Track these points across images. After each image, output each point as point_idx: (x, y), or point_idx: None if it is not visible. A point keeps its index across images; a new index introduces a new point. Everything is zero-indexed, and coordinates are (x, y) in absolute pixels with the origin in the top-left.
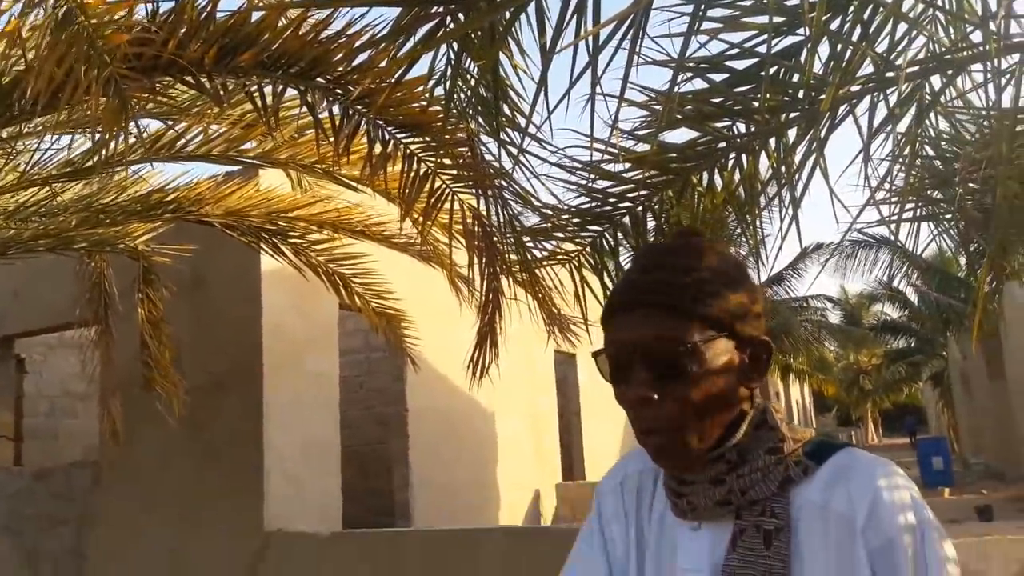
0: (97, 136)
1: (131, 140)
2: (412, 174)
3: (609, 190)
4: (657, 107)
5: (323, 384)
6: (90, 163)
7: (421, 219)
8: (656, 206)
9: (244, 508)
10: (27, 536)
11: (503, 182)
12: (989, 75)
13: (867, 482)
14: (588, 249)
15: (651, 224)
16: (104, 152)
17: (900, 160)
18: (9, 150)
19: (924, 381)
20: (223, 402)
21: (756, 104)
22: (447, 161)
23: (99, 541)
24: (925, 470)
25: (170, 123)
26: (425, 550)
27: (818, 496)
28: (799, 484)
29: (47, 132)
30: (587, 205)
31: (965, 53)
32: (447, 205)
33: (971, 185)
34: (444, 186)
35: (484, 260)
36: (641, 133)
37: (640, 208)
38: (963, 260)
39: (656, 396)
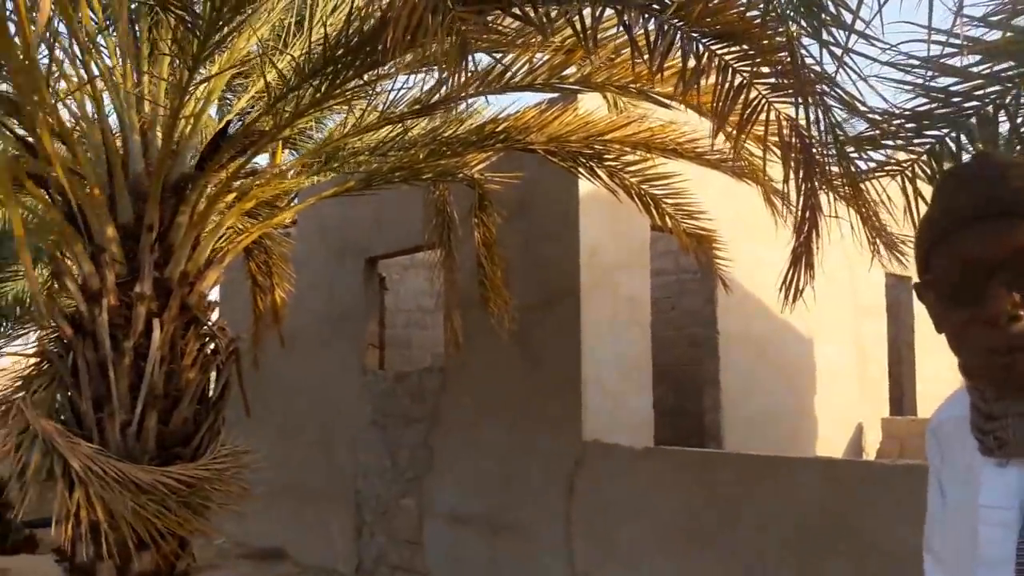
0: (441, 74)
1: (468, 76)
2: (726, 86)
3: (953, 88)
4: None
5: (635, 304)
6: (434, 99)
7: (735, 133)
8: (1011, 103)
9: (565, 417)
10: (390, 430)
11: (825, 87)
12: None
13: None
14: (925, 157)
15: (1004, 125)
16: (445, 88)
17: None
18: (370, 92)
19: None
20: (546, 319)
21: None
22: (764, 69)
23: (444, 437)
24: None
25: (498, 56)
26: (739, 473)
27: None
28: None
29: (399, 73)
30: (925, 107)
31: None
32: (763, 116)
33: None
34: (760, 96)
35: (802, 174)
36: (994, 19)
37: (992, 106)
38: None
39: (1022, 312)
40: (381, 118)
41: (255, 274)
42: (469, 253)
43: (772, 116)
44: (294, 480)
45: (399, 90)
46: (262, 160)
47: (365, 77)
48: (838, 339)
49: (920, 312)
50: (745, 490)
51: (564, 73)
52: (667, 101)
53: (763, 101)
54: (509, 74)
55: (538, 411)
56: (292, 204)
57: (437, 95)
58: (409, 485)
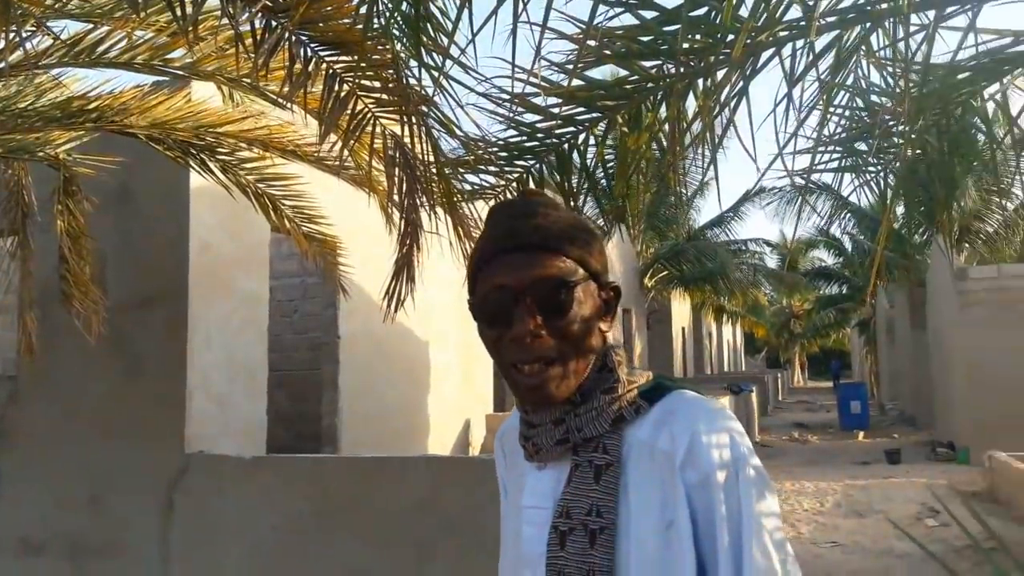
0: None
1: (47, 42)
2: (333, 94)
3: (537, 124)
4: (588, 42)
5: (252, 306)
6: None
7: (343, 142)
8: (583, 145)
9: (166, 427)
10: None
11: (426, 108)
12: (901, 30)
13: (689, 423)
14: (514, 185)
15: (577, 162)
16: (21, 52)
17: (820, 109)
18: None
19: (851, 327)
20: (148, 319)
21: (685, 44)
22: (371, 83)
23: (13, 455)
24: (843, 413)
25: (91, 26)
26: (349, 477)
27: (647, 435)
28: (632, 423)
29: None
30: (515, 139)
31: (883, 6)
32: (369, 129)
33: (895, 139)
34: (366, 109)
35: (404, 189)
36: (570, 68)
37: (566, 145)
38: (899, 210)
39: (544, 331)
40: None
41: None
42: (52, 243)
43: (378, 130)
44: None
45: None
46: None
47: None
48: (450, 343)
49: None
50: (357, 493)
51: (170, 56)
52: (280, 100)
53: (369, 114)
54: (104, 47)
55: (134, 422)
56: None
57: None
58: None
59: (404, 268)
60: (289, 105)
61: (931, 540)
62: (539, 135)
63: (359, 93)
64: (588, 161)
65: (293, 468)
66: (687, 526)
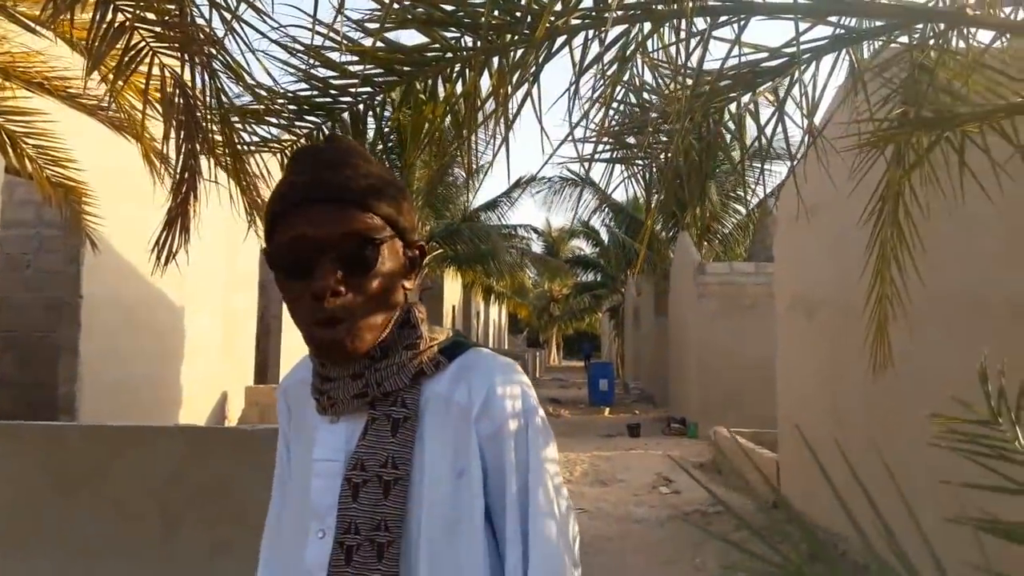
0: None
1: None
2: (105, 24)
3: (332, 80)
4: (392, 3)
5: None
6: None
7: (113, 78)
8: (378, 107)
9: None
10: None
11: (213, 50)
12: (674, 35)
13: (485, 378)
14: (304, 140)
15: (372, 124)
16: None
17: (599, 101)
18: None
19: (603, 312)
20: None
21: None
22: (151, 16)
23: None
24: (593, 390)
25: None
26: (90, 448)
27: (444, 389)
28: (431, 378)
29: None
30: (306, 93)
31: (669, 7)
32: (145, 68)
33: (662, 137)
34: (144, 44)
35: (183, 134)
36: (371, 27)
37: (362, 105)
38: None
39: (343, 288)
40: None
41: None
42: None
43: (156, 69)
44: None
45: None
46: None
47: None
48: (209, 309)
49: None
50: (101, 466)
51: None
52: (35, 26)
53: (147, 50)
54: None
55: None
56: None
57: None
58: None
59: (179, 219)
60: (49, 33)
61: (664, 505)
62: (332, 92)
63: (137, 25)
64: (383, 125)
65: (22, 436)
66: (478, 475)
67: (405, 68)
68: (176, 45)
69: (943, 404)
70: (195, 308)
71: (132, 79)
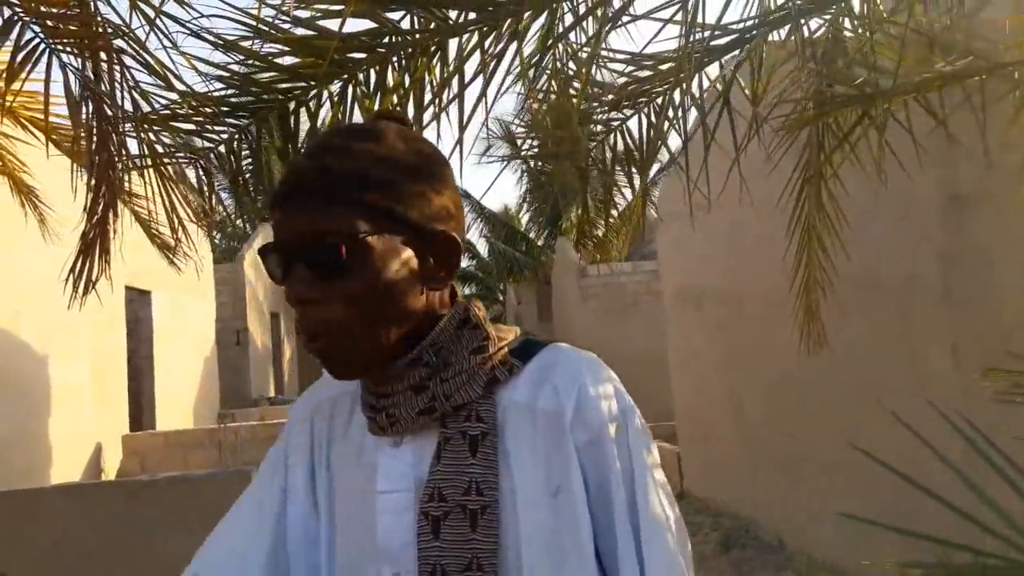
0: None
1: None
2: None
3: (255, 76)
4: None
5: None
6: None
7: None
8: (312, 100)
9: None
10: None
11: (124, 43)
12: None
13: (573, 377)
14: (222, 149)
15: (305, 125)
16: None
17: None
18: None
19: None
20: None
21: None
22: (46, 9)
23: None
24: None
25: None
26: None
27: (524, 396)
28: (505, 385)
29: None
30: (220, 92)
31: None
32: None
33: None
34: (39, 39)
35: (95, 142)
36: (302, 16)
37: (294, 102)
38: (525, 217)
39: (317, 296)
40: None
41: None
42: None
43: (58, 70)
44: None
45: None
46: None
47: None
48: (76, 355)
49: (161, 324)
50: None
51: None
52: None
53: (43, 47)
54: None
55: None
56: None
57: None
58: None
59: (96, 240)
60: None
61: None
62: (255, 89)
63: (27, 19)
64: (317, 125)
65: None
66: (580, 489)
67: (348, 57)
68: (77, 41)
69: (849, 384)
70: (60, 355)
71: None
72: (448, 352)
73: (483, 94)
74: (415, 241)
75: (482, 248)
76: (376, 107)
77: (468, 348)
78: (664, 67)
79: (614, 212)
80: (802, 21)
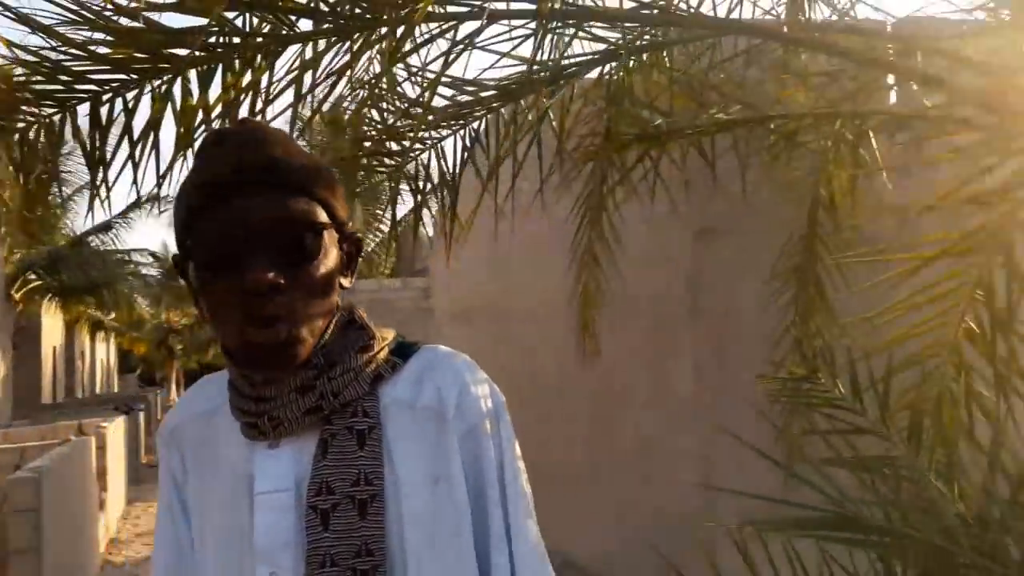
0: None
1: None
2: None
3: (67, 65)
4: None
5: None
6: None
7: None
8: (132, 98)
9: None
10: None
11: None
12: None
13: (455, 377)
14: (15, 139)
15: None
16: None
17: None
18: None
19: None
20: None
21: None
22: None
23: None
24: None
25: None
26: None
27: (406, 393)
28: (387, 382)
29: None
30: (21, 76)
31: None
32: None
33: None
34: None
35: None
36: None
37: (109, 94)
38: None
39: (286, 283)
40: None
41: None
42: None
43: None
44: None
45: None
46: None
47: None
48: None
49: None
50: None
51: None
52: None
53: None
54: None
55: None
56: None
57: None
58: None
59: None
60: None
61: None
62: (65, 78)
63: None
64: (130, 122)
65: None
66: (459, 477)
67: (174, 53)
68: None
69: (603, 393)
70: None
71: None
72: (334, 352)
73: (320, 102)
74: (339, 238)
75: None
76: (204, 105)
77: (354, 347)
78: (485, 95)
79: (382, 228)
80: (604, 67)
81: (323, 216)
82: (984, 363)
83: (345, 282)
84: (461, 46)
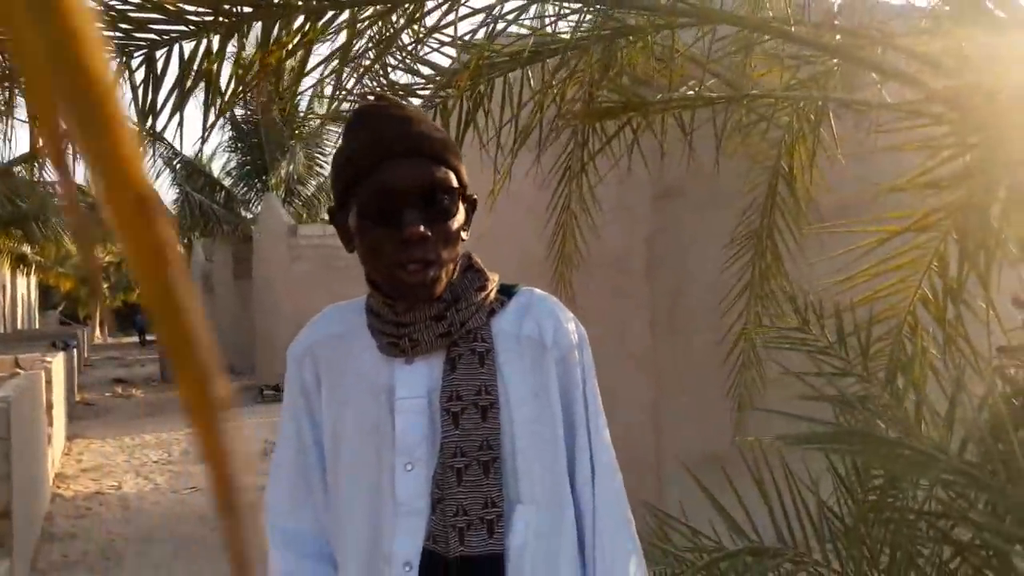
0: None
1: None
2: None
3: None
4: None
5: None
6: None
7: None
8: (190, 51)
9: None
10: None
11: None
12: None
13: (550, 313)
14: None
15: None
16: None
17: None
18: None
19: None
20: None
21: None
22: None
23: None
24: (166, 365)
25: None
26: None
27: (510, 325)
28: (496, 316)
29: None
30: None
31: None
32: None
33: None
34: None
35: None
36: None
37: (167, 48)
38: (217, 166)
39: (430, 233)
40: None
41: None
42: None
43: None
44: None
45: None
46: None
47: None
48: None
49: None
50: None
51: None
52: None
53: None
54: None
55: None
56: None
57: None
58: None
59: None
60: None
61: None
62: (125, 26)
63: None
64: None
65: None
66: (556, 394)
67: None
68: None
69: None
70: None
71: None
72: (458, 290)
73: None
74: (463, 200)
75: (170, 196)
76: (257, 62)
77: (474, 286)
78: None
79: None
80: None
81: (455, 181)
82: (935, 326)
83: (464, 235)
84: (484, 16)
